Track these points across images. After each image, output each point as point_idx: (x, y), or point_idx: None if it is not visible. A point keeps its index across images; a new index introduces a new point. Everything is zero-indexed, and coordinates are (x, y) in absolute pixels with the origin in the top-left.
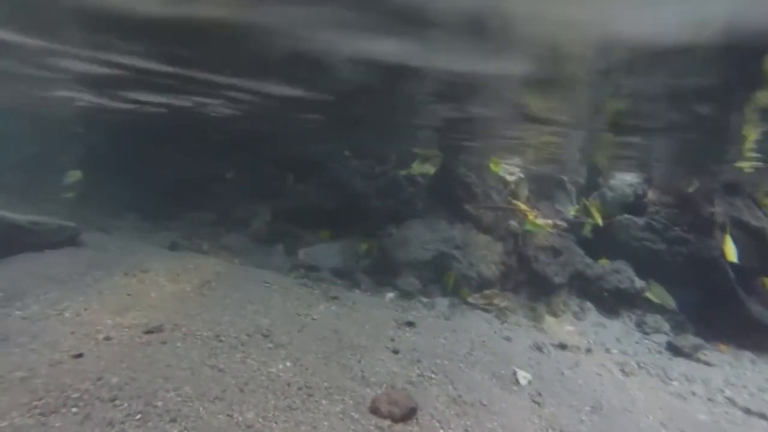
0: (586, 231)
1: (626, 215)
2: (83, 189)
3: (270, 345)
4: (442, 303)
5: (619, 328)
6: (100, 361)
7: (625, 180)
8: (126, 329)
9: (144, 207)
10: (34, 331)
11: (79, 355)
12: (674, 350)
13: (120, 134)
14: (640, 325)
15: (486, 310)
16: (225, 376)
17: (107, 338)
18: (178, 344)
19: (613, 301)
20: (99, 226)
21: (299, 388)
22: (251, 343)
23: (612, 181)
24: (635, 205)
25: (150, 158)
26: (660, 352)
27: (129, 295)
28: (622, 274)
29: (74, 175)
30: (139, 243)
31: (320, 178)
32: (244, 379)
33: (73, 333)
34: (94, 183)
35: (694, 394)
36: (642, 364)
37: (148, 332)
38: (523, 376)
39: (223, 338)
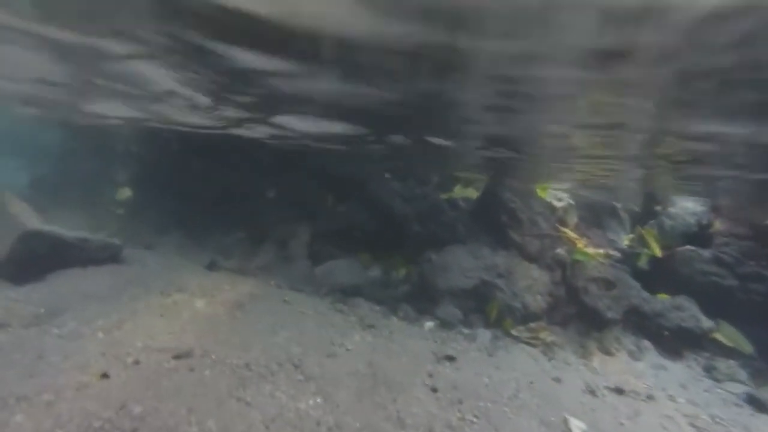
0: (642, 262)
1: (689, 246)
2: (133, 205)
3: (300, 377)
4: (484, 335)
5: (683, 373)
6: (126, 387)
7: (687, 208)
8: (155, 353)
9: (187, 224)
10: (68, 350)
11: (106, 379)
12: (757, 404)
13: (169, 152)
14: (709, 370)
15: (531, 345)
16: (251, 411)
17: (136, 362)
18: (206, 372)
19: (675, 341)
20: (143, 242)
21: (329, 429)
22: (281, 373)
23: (671, 209)
24: (699, 236)
25: (196, 175)
26: (738, 406)
27: (162, 315)
28: (685, 311)
29: (125, 192)
30: (179, 260)
31: (360, 199)
32: (271, 415)
33: (103, 354)
34: (144, 199)
35: None
36: (718, 419)
37: (176, 357)
38: (576, 426)
39: (252, 367)
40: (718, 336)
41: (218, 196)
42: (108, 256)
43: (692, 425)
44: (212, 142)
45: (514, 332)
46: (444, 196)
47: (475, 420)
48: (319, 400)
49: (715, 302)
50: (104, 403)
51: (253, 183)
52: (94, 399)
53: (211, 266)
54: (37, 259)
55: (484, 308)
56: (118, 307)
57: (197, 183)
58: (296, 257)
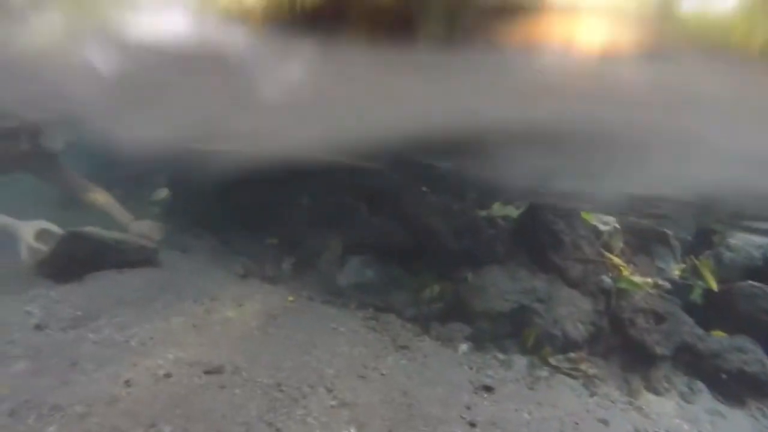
0: (696, 295)
1: (750, 282)
2: (169, 207)
3: (333, 402)
4: (521, 362)
5: (745, 423)
6: (156, 403)
7: (750, 240)
8: (187, 366)
9: (221, 229)
10: (101, 358)
11: (138, 392)
12: None
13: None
14: None
15: (571, 376)
16: None
17: (167, 375)
18: (237, 391)
19: (735, 387)
20: (178, 245)
21: None
22: (313, 397)
23: (732, 240)
24: (764, 271)
25: (231, 179)
26: None
27: (194, 326)
28: (748, 354)
29: (161, 194)
30: (213, 267)
31: (395, 211)
32: None
33: (135, 365)
34: (180, 202)
35: None
36: None
37: (208, 372)
38: None
39: (284, 388)
40: None
41: (252, 202)
42: (143, 259)
43: None
44: None
45: (552, 361)
46: (482, 213)
47: None
48: (353, 430)
49: None
50: (134, 420)
51: (287, 191)
52: (125, 414)
53: (244, 274)
54: (78, 260)
55: (520, 333)
56: (151, 315)
57: (230, 187)
58: (328, 269)
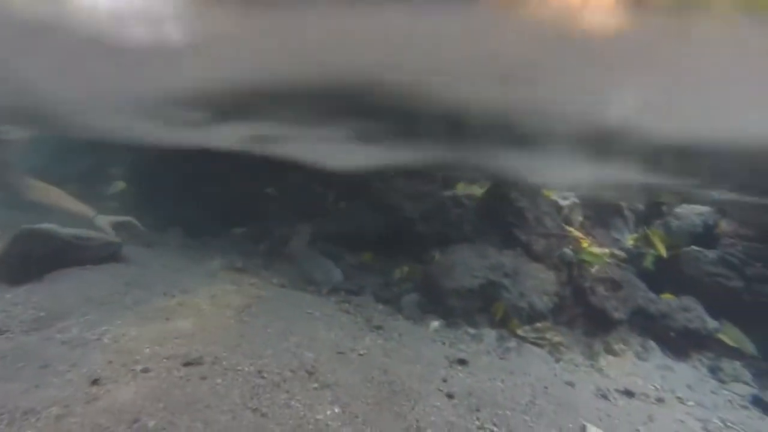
0: (648, 262)
1: (694, 247)
2: (128, 201)
3: (315, 385)
4: (490, 335)
5: (689, 374)
6: (137, 399)
7: (693, 208)
8: (164, 360)
9: (187, 222)
10: (73, 358)
11: (116, 389)
12: (763, 407)
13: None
14: (714, 371)
15: (538, 345)
16: (268, 423)
17: (145, 370)
18: (218, 380)
19: (681, 342)
20: (143, 240)
21: None
22: (295, 381)
23: (678, 209)
24: (706, 237)
25: (195, 171)
26: (745, 408)
27: (168, 319)
28: (691, 312)
29: (118, 186)
30: (181, 260)
31: (364, 197)
32: (289, 427)
33: (110, 362)
34: (139, 195)
35: None
36: (729, 424)
37: (186, 364)
38: None
39: (265, 374)
40: (723, 337)
41: (218, 194)
42: (108, 255)
43: (705, 430)
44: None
45: (520, 332)
46: (448, 194)
47: (495, 429)
48: (337, 409)
49: (720, 303)
50: (116, 417)
51: (254, 180)
52: (106, 412)
53: (214, 266)
54: (34, 259)
55: (489, 308)
56: (121, 312)
57: (194, 179)
58: (298, 256)
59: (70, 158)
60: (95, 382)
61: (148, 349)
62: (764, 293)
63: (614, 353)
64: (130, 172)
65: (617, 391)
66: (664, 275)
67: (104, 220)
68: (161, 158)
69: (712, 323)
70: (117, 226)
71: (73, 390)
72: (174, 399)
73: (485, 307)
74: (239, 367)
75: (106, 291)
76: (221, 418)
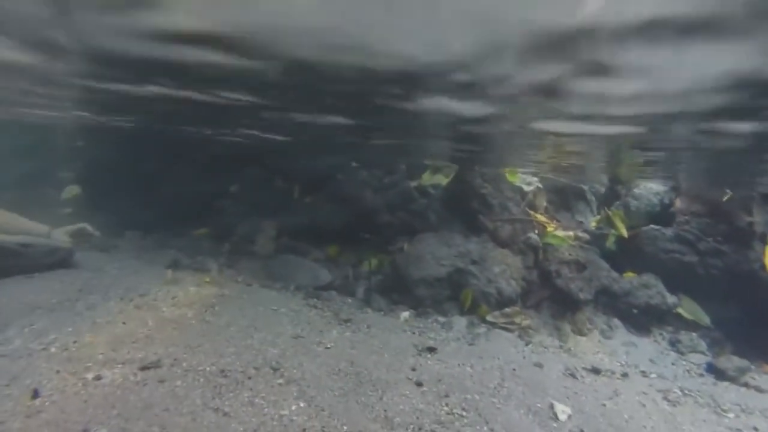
0: (610, 243)
1: (653, 226)
2: (81, 205)
3: (280, 380)
4: (460, 322)
5: (651, 348)
6: (87, 408)
7: (650, 188)
8: (119, 365)
9: (145, 224)
10: (15, 371)
11: (63, 400)
12: (717, 373)
13: (121, 148)
14: (674, 344)
15: (507, 330)
16: (231, 422)
17: (97, 377)
18: (178, 382)
19: (643, 318)
20: (97, 245)
21: None
22: (259, 378)
23: (636, 190)
24: (662, 215)
25: (152, 173)
26: (701, 375)
27: (124, 323)
28: (651, 289)
29: (72, 191)
30: (139, 263)
31: (328, 190)
32: (253, 425)
33: (58, 372)
34: (94, 199)
35: (756, 429)
36: (687, 391)
37: (144, 368)
38: (562, 410)
39: (228, 373)
40: (681, 310)
41: (177, 195)
42: (56, 262)
43: (666, 399)
44: (164, 139)
45: (489, 318)
46: (413, 184)
47: (464, 414)
48: (302, 404)
49: (677, 278)
50: (61, 428)
51: (214, 178)
52: (49, 425)
53: (175, 266)
54: None
55: (458, 296)
56: (72, 318)
57: (152, 181)
58: (263, 253)
59: (10, 164)
60: (36, 394)
61: (101, 356)
62: (716, 266)
63: (581, 333)
64: (84, 175)
65: (584, 369)
66: (626, 254)
67: (60, 232)
68: (116, 160)
69: (671, 298)
70: (74, 235)
71: (12, 404)
72: (129, 405)
73: (454, 295)
74: (200, 368)
75: (56, 298)
76: (180, 421)
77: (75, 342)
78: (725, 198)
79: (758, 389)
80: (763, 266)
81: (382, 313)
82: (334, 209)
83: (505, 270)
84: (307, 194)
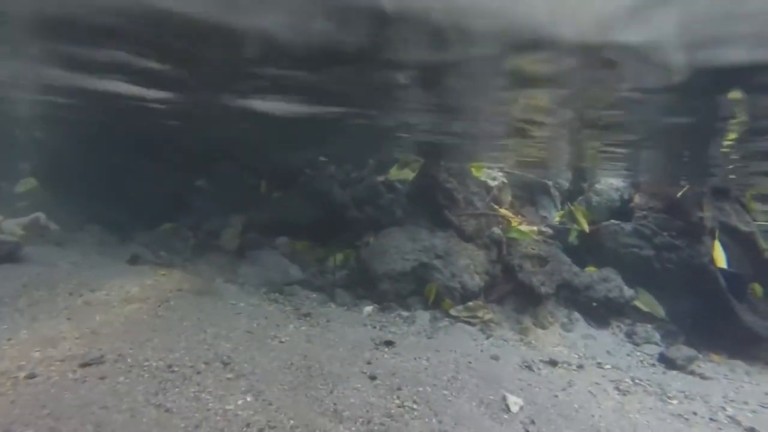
0: (573, 238)
1: (613, 221)
2: (39, 199)
3: (230, 375)
4: (424, 317)
5: (609, 340)
6: (13, 408)
7: (611, 184)
8: (57, 363)
9: (106, 218)
10: None
11: None
12: (667, 362)
13: (82, 140)
14: (630, 335)
15: (470, 324)
16: (172, 418)
17: (30, 376)
18: (120, 378)
19: (603, 312)
20: (53, 238)
21: (260, 429)
22: (208, 373)
23: (598, 186)
24: (622, 210)
25: (114, 166)
26: (653, 365)
27: (69, 319)
28: (610, 282)
29: (28, 183)
30: (97, 257)
31: (296, 185)
32: (195, 420)
33: None
34: (54, 192)
35: (695, 414)
36: (637, 381)
37: (84, 365)
38: (514, 402)
39: (175, 368)
40: (638, 303)
41: (141, 189)
42: (3, 256)
43: (617, 389)
44: (126, 130)
45: (453, 312)
46: (380, 179)
47: (415, 406)
48: (249, 398)
49: (635, 272)
50: None
51: (180, 173)
52: None
53: (134, 261)
54: None
55: (422, 290)
56: (10, 315)
57: (115, 174)
58: (228, 248)
59: None
60: None
61: (38, 353)
62: (671, 260)
63: (542, 326)
64: (42, 167)
65: (542, 361)
66: (587, 249)
67: (12, 224)
68: (77, 151)
69: (628, 291)
70: (26, 227)
71: None
72: (63, 403)
73: (418, 290)
74: (146, 363)
75: None
76: (117, 418)
77: (9, 340)
78: (679, 193)
79: (702, 376)
80: (712, 260)
81: (346, 307)
82: (301, 204)
83: (469, 264)
84: (274, 189)
